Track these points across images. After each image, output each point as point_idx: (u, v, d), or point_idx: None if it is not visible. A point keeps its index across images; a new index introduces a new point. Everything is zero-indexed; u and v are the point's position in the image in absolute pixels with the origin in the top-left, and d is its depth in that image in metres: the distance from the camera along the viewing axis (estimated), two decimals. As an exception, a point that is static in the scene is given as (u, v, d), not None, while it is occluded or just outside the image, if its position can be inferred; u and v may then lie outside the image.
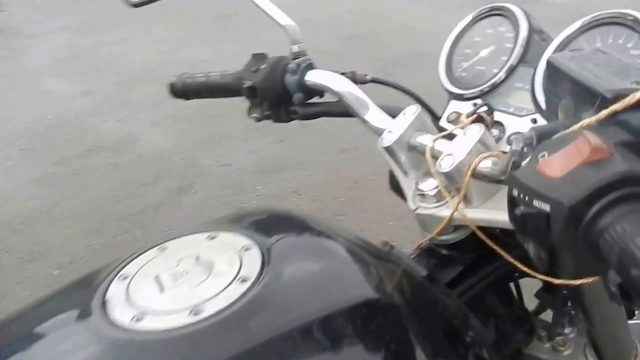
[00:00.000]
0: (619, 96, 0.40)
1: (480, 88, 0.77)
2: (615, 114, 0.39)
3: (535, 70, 0.72)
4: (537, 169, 0.38)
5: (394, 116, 0.79)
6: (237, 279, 0.57)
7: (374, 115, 0.76)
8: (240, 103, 0.90)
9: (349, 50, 4.32)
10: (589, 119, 0.39)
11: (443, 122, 0.80)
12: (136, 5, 0.98)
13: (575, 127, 0.40)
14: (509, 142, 0.70)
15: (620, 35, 0.66)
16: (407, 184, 0.75)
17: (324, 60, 0.90)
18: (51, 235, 2.75)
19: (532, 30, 0.76)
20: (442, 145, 0.67)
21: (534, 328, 0.82)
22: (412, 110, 0.71)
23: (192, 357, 0.51)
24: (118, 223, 2.78)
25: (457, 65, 0.84)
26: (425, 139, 0.69)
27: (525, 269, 0.63)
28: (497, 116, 0.73)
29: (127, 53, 4.86)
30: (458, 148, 0.62)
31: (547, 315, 0.85)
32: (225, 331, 0.52)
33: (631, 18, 0.64)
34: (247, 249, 0.61)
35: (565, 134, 0.40)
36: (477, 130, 0.62)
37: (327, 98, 0.88)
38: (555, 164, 0.37)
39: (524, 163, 0.42)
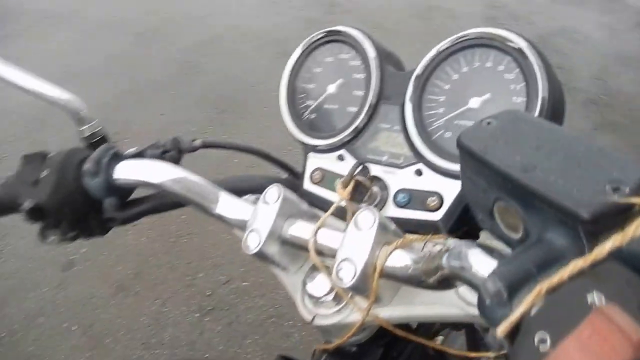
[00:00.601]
0: (602, 216, 0.28)
1: (341, 137, 0.63)
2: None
3: (402, 110, 0.60)
4: None
5: (253, 190, 0.62)
6: None
7: (227, 206, 0.57)
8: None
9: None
10: (580, 264, 0.27)
11: (308, 185, 0.65)
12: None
13: (563, 275, 0.27)
14: (399, 204, 0.57)
15: (487, 58, 0.56)
16: (290, 284, 0.59)
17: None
18: None
19: (381, 57, 0.64)
20: (327, 239, 0.51)
21: None
22: (274, 195, 0.54)
23: None
24: None
25: (302, 105, 0.69)
26: (303, 231, 0.53)
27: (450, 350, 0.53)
28: (373, 169, 0.60)
29: None
30: (353, 248, 0.47)
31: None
32: None
33: (498, 38, 0.54)
34: None
35: (559, 294, 0.27)
36: (371, 218, 0.48)
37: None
38: None
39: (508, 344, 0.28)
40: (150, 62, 3.61)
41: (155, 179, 0.58)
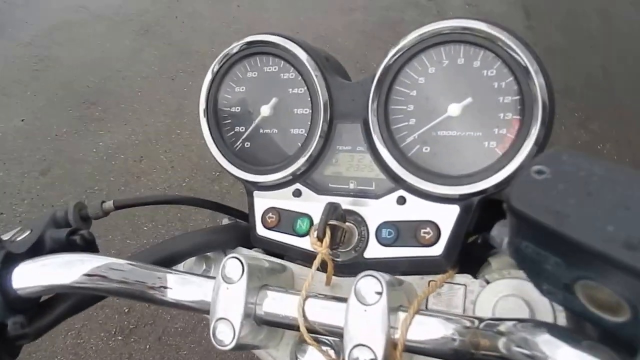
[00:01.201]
0: None
1: (293, 168, 0.52)
2: None
3: (365, 126, 0.50)
4: None
5: (182, 256, 0.51)
6: None
7: (178, 288, 0.44)
8: None
9: None
10: None
11: (261, 230, 0.54)
12: None
13: None
14: (384, 241, 0.48)
15: (457, 54, 0.47)
16: (275, 358, 0.49)
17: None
18: None
19: (320, 65, 0.53)
20: (316, 310, 0.42)
21: None
22: (236, 270, 0.43)
23: None
24: None
25: (231, 133, 0.57)
26: (282, 306, 0.43)
27: None
28: (341, 202, 0.50)
29: None
30: (363, 329, 0.38)
31: None
32: None
33: (469, 31, 0.46)
34: None
35: None
36: (375, 286, 0.39)
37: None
38: None
39: None
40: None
41: (72, 281, 0.44)
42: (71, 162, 2.37)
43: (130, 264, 0.45)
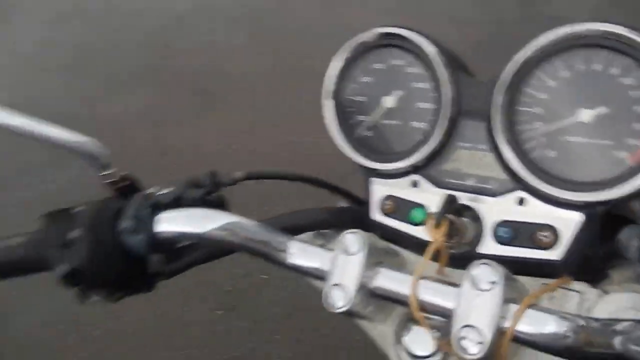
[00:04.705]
0: None
1: (413, 160, 0.54)
2: None
3: (489, 125, 0.51)
4: None
5: (318, 225, 0.54)
6: None
7: (298, 254, 0.49)
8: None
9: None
10: None
11: (378, 217, 0.57)
12: None
13: None
14: (501, 240, 0.49)
15: (593, 60, 0.47)
16: (378, 334, 0.52)
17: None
18: None
19: (448, 62, 0.55)
20: (428, 291, 0.44)
21: None
22: (355, 245, 0.46)
23: None
24: None
25: (353, 121, 0.60)
26: (396, 282, 0.45)
27: None
28: (460, 197, 0.52)
29: None
30: (474, 312, 0.40)
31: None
32: None
33: (608, 36, 0.45)
34: None
35: None
36: (493, 275, 0.40)
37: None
38: None
39: None
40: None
41: (207, 232, 0.51)
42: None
43: (258, 225, 0.50)
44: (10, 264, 0.55)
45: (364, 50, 0.59)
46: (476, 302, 0.40)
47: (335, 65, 0.60)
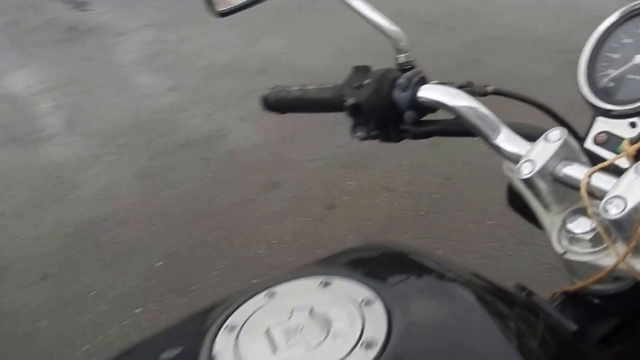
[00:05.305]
0: None
1: (638, 105, 0.64)
2: None
3: None
4: None
5: (528, 138, 0.68)
6: (360, 343, 0.50)
7: (506, 139, 0.65)
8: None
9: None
10: None
11: (589, 145, 0.68)
12: (223, 15, 0.93)
13: None
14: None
15: None
16: (548, 220, 0.64)
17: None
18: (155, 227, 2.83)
19: None
20: (601, 181, 0.55)
21: None
22: (556, 136, 0.60)
23: None
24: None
25: (602, 73, 0.71)
26: (577, 171, 0.58)
27: None
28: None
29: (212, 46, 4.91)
30: (628, 189, 0.51)
31: None
32: None
33: None
34: (368, 303, 0.54)
35: None
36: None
37: (443, 114, 0.78)
38: None
39: None
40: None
41: (452, 103, 0.70)
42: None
43: (489, 112, 0.67)
44: (321, 100, 0.83)
45: (631, 16, 0.70)
46: (633, 182, 0.50)
47: (602, 26, 0.72)
